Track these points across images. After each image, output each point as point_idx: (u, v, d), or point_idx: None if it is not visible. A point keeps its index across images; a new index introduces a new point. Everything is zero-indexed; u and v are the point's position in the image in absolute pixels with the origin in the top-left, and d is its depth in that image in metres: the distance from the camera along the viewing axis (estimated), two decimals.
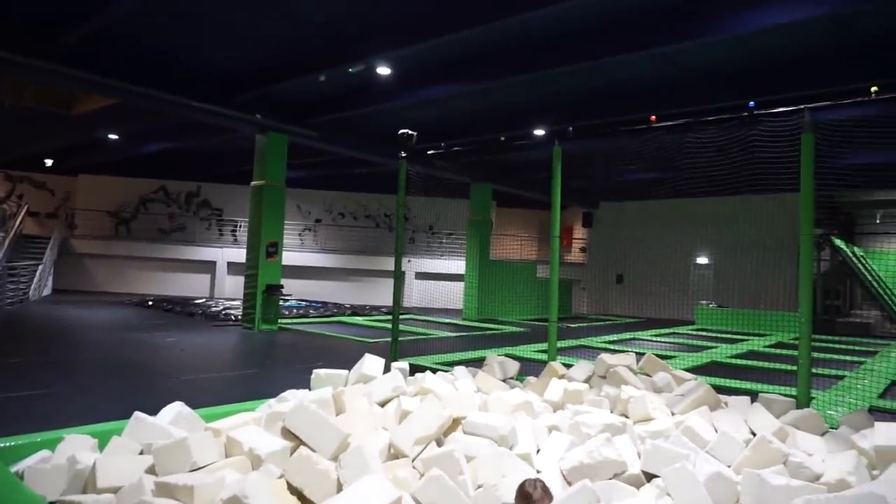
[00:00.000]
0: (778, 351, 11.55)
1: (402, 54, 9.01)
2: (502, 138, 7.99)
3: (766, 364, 9.51)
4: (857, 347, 12.14)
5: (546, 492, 2.86)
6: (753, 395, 5.80)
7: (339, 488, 3.09)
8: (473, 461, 3.49)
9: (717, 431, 4.30)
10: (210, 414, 4.31)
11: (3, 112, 14.39)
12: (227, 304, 16.63)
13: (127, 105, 12.56)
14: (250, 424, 3.86)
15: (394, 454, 3.67)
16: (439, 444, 3.81)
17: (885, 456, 3.68)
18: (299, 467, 3.15)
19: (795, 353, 11.08)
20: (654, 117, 6.00)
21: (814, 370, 7.94)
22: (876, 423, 3.98)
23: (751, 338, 14.04)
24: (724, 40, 7.83)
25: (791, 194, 17.29)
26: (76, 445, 3.38)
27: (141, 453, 3.45)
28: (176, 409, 4.00)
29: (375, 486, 2.56)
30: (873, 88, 4.50)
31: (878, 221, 19.26)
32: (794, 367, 9.01)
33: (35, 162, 20.77)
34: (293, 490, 3.09)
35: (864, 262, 18.68)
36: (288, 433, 3.65)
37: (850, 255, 18.29)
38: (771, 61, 8.69)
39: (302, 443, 3.57)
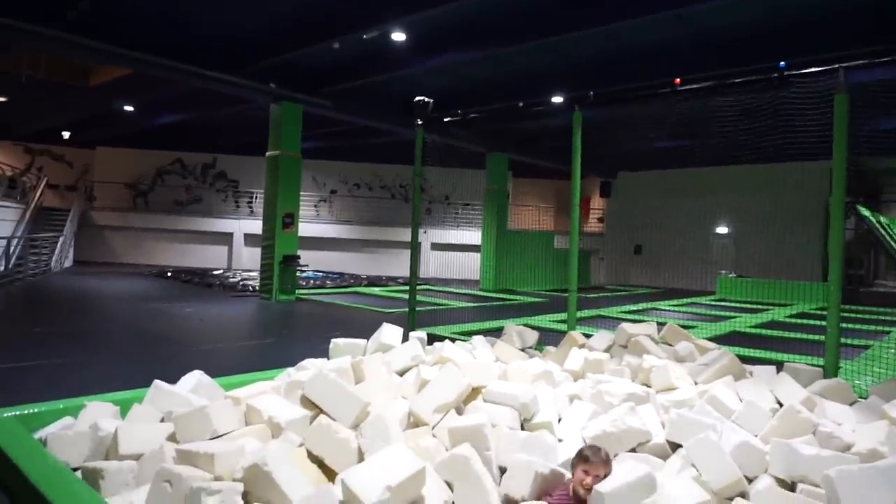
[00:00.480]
0: (801, 321, 11.39)
1: (417, 19, 8.80)
2: (520, 104, 7.79)
3: (789, 334, 9.37)
4: (881, 317, 11.92)
5: (607, 460, 2.84)
6: (778, 365, 5.70)
7: (360, 457, 3.06)
8: (495, 430, 3.44)
9: (741, 401, 4.22)
10: (229, 383, 4.31)
11: (20, 84, 14.39)
12: (245, 275, 16.74)
13: (141, 75, 12.48)
14: (269, 393, 3.85)
15: (413, 422, 3.64)
16: (459, 412, 3.78)
17: None
18: (319, 436, 3.13)
19: (818, 322, 10.98)
20: (678, 80, 5.77)
21: (842, 339, 7.83)
22: None
23: (772, 307, 13.86)
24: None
25: (813, 162, 16.92)
26: (98, 413, 3.39)
27: (162, 421, 3.46)
28: (196, 377, 4.00)
29: (398, 455, 2.52)
30: None
31: None
32: (818, 337, 8.91)
33: (53, 135, 20.87)
34: (314, 458, 3.07)
35: (889, 231, 18.28)
36: (307, 402, 3.63)
37: (876, 223, 17.89)
38: (797, 21, 8.35)
39: (321, 411, 3.54)
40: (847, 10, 7.84)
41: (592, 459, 2.81)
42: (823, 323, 10.93)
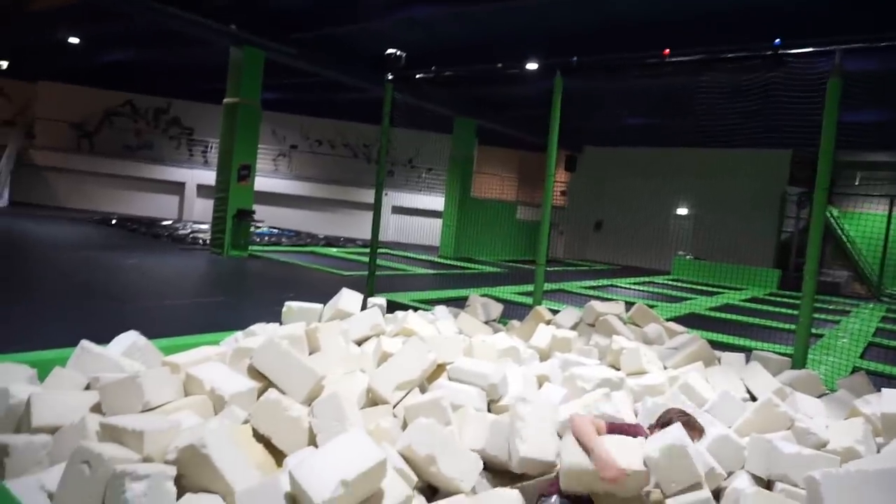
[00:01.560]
0: (755, 305, 11.54)
1: None
2: (499, 65, 7.41)
3: (746, 318, 9.43)
4: (829, 306, 12.18)
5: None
6: (740, 349, 5.64)
7: (312, 438, 2.75)
8: (460, 411, 3.18)
9: (712, 389, 4.08)
10: (169, 346, 3.91)
11: None
12: (196, 227, 15.98)
13: (87, 4, 11.47)
14: (214, 360, 3.48)
15: (372, 400, 3.35)
16: (422, 390, 3.50)
17: (892, 424, 3.50)
18: (267, 412, 2.80)
19: (772, 308, 11.12)
20: (667, 51, 5.49)
21: (790, 326, 7.88)
22: (884, 390, 3.78)
23: (726, 291, 14.04)
24: None
25: (773, 150, 17.07)
26: (10, 375, 2.95)
27: (87, 388, 3.06)
28: (130, 338, 3.59)
29: (356, 443, 2.21)
30: None
31: (856, 183, 19.24)
32: (776, 324, 8.99)
33: None
34: (259, 437, 2.74)
35: (838, 222, 18.79)
36: (255, 373, 3.28)
37: (828, 215, 18.33)
38: (794, 3, 8.14)
39: (271, 384, 3.21)
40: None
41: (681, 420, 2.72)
42: (777, 309, 11.10)
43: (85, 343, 3.26)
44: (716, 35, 8.86)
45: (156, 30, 12.43)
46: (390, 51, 7.40)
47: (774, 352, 5.33)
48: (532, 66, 10.01)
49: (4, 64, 19.37)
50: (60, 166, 19.16)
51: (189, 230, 14.93)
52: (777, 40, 4.91)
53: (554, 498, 2.44)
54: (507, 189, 23.01)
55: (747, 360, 4.85)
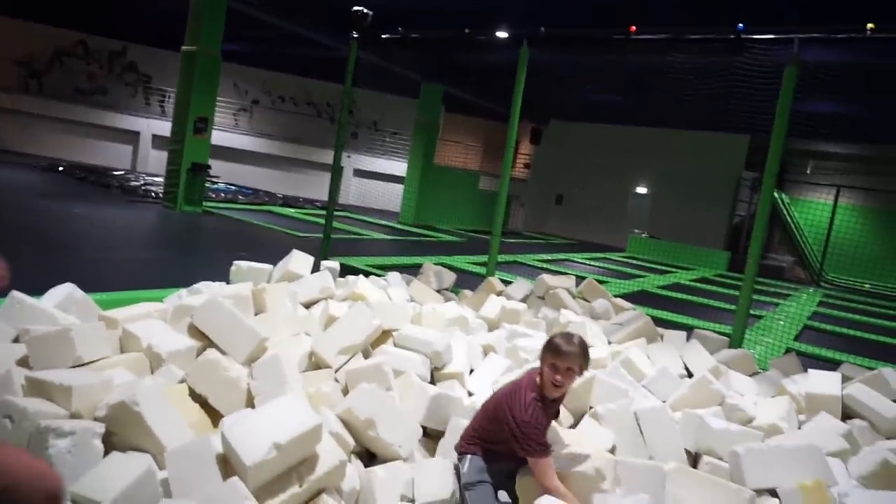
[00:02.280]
0: (702, 286, 11.89)
1: None
2: (467, 31, 7.28)
3: (692, 297, 9.71)
4: (771, 289, 12.65)
5: (583, 352, 2.34)
6: (683, 328, 5.82)
7: (250, 400, 2.73)
8: (402, 377, 3.20)
9: (652, 365, 4.20)
10: (108, 300, 3.81)
11: None
12: (149, 179, 15.46)
13: None
14: (154, 317, 3.39)
15: (315, 363, 3.33)
16: (366, 355, 3.50)
17: (815, 403, 3.68)
18: (205, 372, 2.76)
19: (717, 289, 11.47)
20: (633, 28, 5.49)
21: (733, 307, 8.17)
22: (810, 371, 3.96)
23: (677, 270, 14.42)
24: None
25: (734, 135, 17.40)
26: None
27: (16, 341, 2.95)
28: (66, 290, 3.47)
29: (292, 406, 2.20)
30: (869, 25, 4.16)
31: (808, 171, 19.84)
32: (719, 304, 9.29)
33: None
34: (196, 397, 2.71)
35: (788, 209, 19.42)
36: (196, 331, 3.22)
37: (779, 201, 18.91)
38: None
39: (212, 343, 3.15)
40: None
41: (565, 349, 2.26)
42: (722, 290, 11.45)
43: (15, 294, 3.13)
44: (686, 14, 8.90)
45: None
46: (357, 8, 7.20)
47: (715, 331, 5.51)
48: (501, 34, 9.90)
49: None
50: (5, 106, 18.17)
51: (141, 182, 14.44)
52: (740, 25, 4.95)
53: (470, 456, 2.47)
54: (471, 158, 22.94)
55: (688, 339, 5.00)
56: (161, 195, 12.19)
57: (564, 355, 2.28)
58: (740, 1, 8.35)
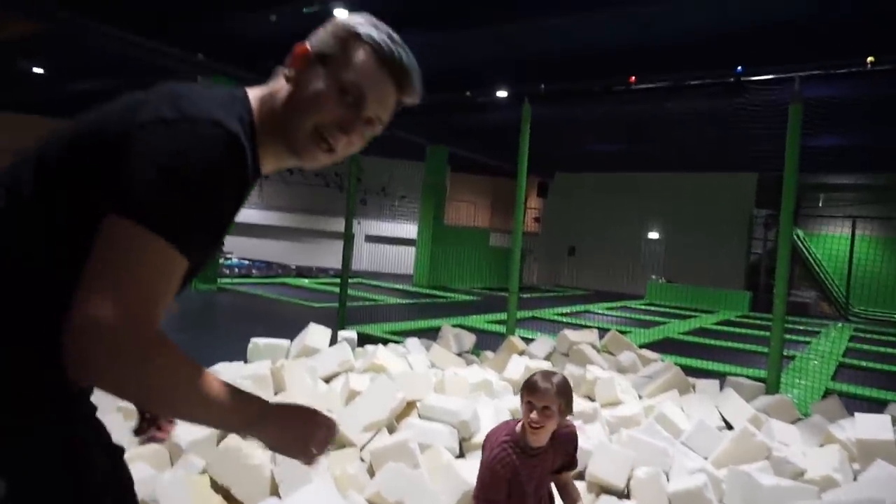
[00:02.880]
0: (727, 328, 11.62)
1: None
2: (468, 93, 7.43)
3: (719, 342, 9.46)
4: (799, 327, 12.33)
5: (563, 390, 2.03)
6: (714, 375, 5.62)
7: (275, 487, 2.61)
8: (430, 451, 3.06)
9: (688, 418, 4.02)
10: None
11: None
12: None
13: (50, 35, 11.29)
14: None
15: (340, 442, 3.21)
16: (391, 430, 3.38)
17: (867, 450, 3.48)
18: (226, 460, 2.66)
19: (744, 331, 11.20)
20: (633, 78, 5.56)
21: (762, 348, 7.93)
22: (857, 415, 3.76)
23: (699, 314, 14.15)
24: (704, 2, 7.42)
25: (741, 174, 17.39)
26: None
27: None
28: None
29: (320, 495, 2.08)
30: (870, 59, 4.17)
31: (820, 205, 19.74)
32: (748, 347, 9.04)
33: None
34: (218, 488, 2.59)
35: (804, 243, 19.21)
36: None
37: (795, 237, 18.74)
38: (755, 31, 8.34)
39: None
40: (804, 22, 7.89)
41: (541, 386, 2.00)
42: (749, 331, 11.17)
43: None
44: (682, 62, 9.04)
45: (121, 59, 12.26)
46: None
47: (748, 376, 5.32)
48: (502, 93, 10.11)
49: None
50: None
51: None
52: (739, 68, 4.99)
53: None
54: (480, 216, 23.09)
55: (721, 387, 4.82)
56: None
57: (540, 392, 2.01)
58: (737, 43, 8.49)
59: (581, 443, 3.21)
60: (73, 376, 0.78)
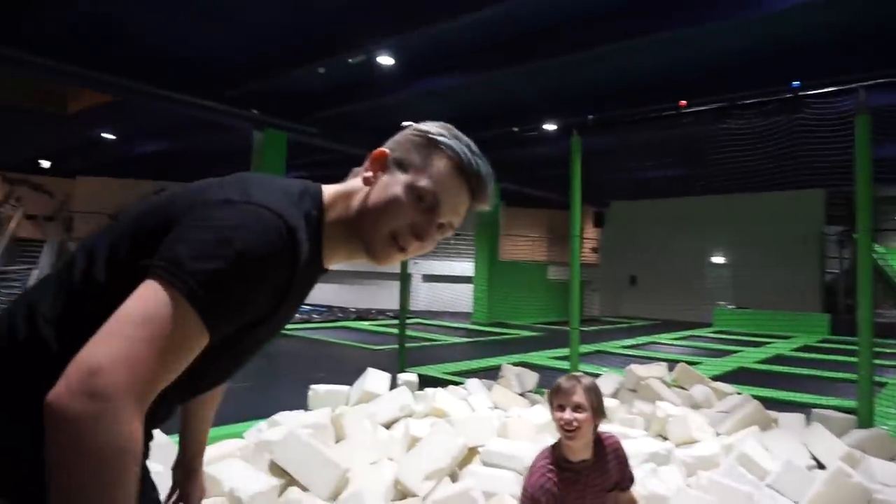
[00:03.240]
0: (807, 355, 10.93)
1: (404, 43, 8.48)
2: (515, 129, 7.42)
3: (800, 370, 8.90)
4: (887, 350, 11.46)
5: (590, 388, 1.94)
6: (797, 407, 5.23)
7: None
8: (494, 500, 2.93)
9: (772, 457, 3.73)
10: None
11: None
12: None
13: (120, 102, 12.07)
14: (235, 457, 3.30)
15: (401, 491, 3.11)
16: (454, 478, 3.26)
17: None
18: None
19: (827, 357, 10.51)
20: (684, 102, 5.40)
21: (848, 375, 7.38)
22: None
23: (774, 340, 13.40)
24: (751, 20, 7.25)
25: (807, 191, 16.62)
26: None
27: None
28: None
29: None
30: None
31: None
32: (833, 374, 8.46)
33: (33, 165, 20.33)
34: None
35: (885, 261, 18.04)
36: (278, 468, 3.10)
37: (872, 255, 17.64)
38: (808, 44, 8.08)
39: (293, 480, 3.01)
40: (857, 32, 7.59)
41: (566, 384, 1.92)
42: (831, 357, 10.49)
43: None
44: (734, 82, 8.81)
45: (182, 120, 12.94)
46: (405, 123, 7.49)
47: (836, 407, 4.93)
48: (550, 126, 10.06)
49: (47, 164, 20.39)
50: None
51: None
52: (795, 82, 4.78)
53: None
54: (537, 250, 22.87)
55: (808, 420, 4.47)
56: None
57: (567, 390, 1.91)
58: (789, 58, 8.22)
59: (655, 487, 3.03)
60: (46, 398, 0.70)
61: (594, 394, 1.93)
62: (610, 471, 1.95)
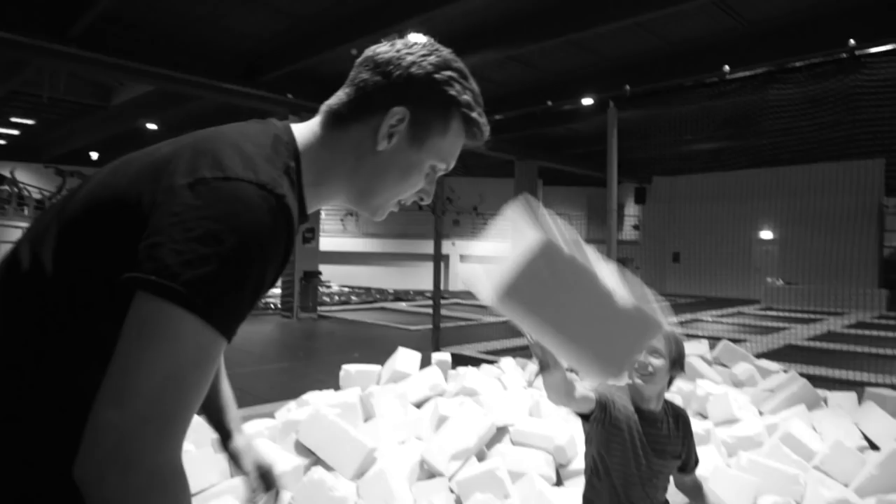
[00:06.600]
0: (862, 331, 10.44)
1: (436, 17, 8.32)
2: (549, 103, 7.21)
3: (853, 348, 8.49)
4: None
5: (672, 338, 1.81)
6: (849, 386, 4.97)
7: None
8: (522, 480, 2.85)
9: (821, 438, 3.54)
10: None
11: (43, 106, 14.39)
12: (269, 292, 16.38)
13: (161, 92, 12.29)
14: (263, 437, 3.31)
15: (427, 471, 3.07)
16: (481, 458, 3.19)
17: None
18: (310, 493, 2.59)
19: (883, 333, 10.01)
20: (727, 67, 5.12)
21: None
22: None
23: (826, 317, 12.87)
24: None
25: (864, 160, 15.77)
26: None
27: None
28: None
29: None
30: None
31: None
32: (888, 352, 8.05)
33: (83, 156, 20.98)
34: None
35: None
36: (304, 448, 3.09)
37: None
38: (857, 5, 7.60)
39: (319, 459, 3.00)
40: None
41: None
42: (889, 334, 9.99)
43: None
44: (782, 45, 8.37)
45: (222, 106, 13.10)
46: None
47: (892, 385, 4.65)
48: (587, 101, 9.77)
49: (95, 155, 21.03)
50: None
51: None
52: (851, 41, 4.45)
53: None
54: (576, 227, 22.47)
55: (860, 400, 4.23)
56: (279, 306, 12.77)
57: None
58: (848, 15, 7.72)
59: None
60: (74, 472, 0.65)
61: (674, 343, 1.81)
62: (672, 438, 1.82)
